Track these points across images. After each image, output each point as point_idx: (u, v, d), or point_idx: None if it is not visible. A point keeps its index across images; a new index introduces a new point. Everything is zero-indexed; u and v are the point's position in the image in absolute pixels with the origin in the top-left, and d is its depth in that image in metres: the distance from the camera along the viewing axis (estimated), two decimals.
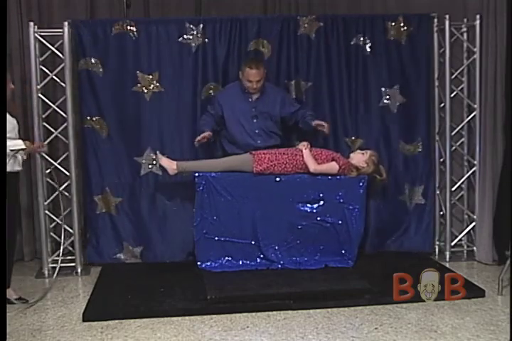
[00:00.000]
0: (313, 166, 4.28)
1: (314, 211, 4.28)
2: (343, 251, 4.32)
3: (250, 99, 4.41)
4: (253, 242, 4.29)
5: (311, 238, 4.30)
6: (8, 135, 3.48)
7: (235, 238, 4.28)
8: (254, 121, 4.42)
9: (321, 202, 4.29)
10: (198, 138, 4.27)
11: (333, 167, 4.32)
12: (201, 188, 4.25)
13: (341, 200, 4.29)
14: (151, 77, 4.53)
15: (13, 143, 3.60)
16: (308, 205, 4.29)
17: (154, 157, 4.53)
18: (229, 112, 4.41)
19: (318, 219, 4.29)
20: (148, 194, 4.62)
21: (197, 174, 4.27)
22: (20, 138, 3.81)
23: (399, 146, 4.71)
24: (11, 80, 3.78)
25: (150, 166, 4.59)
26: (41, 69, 4.50)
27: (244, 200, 4.27)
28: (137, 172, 4.60)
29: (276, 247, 4.28)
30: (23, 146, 3.68)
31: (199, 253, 4.30)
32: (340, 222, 4.30)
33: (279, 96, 4.44)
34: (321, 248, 4.31)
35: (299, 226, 4.28)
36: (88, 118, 4.54)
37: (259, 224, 4.27)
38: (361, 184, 4.33)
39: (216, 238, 4.27)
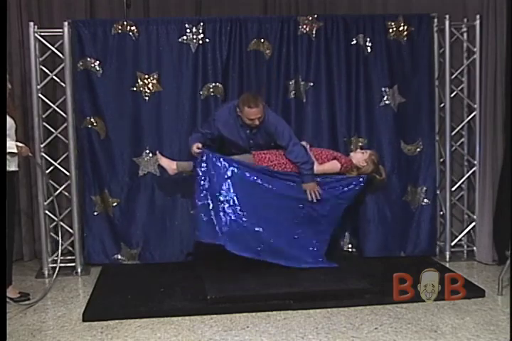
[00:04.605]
0: (314, 166, 4.28)
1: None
2: (315, 242, 4.31)
3: (248, 132, 4.29)
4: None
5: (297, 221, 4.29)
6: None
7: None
8: (251, 149, 4.36)
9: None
10: (193, 151, 4.20)
11: (334, 166, 4.32)
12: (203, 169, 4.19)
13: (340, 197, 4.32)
14: (150, 77, 4.53)
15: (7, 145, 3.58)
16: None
17: (153, 157, 4.53)
18: (228, 140, 4.35)
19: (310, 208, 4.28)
20: (146, 194, 4.61)
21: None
22: (17, 140, 3.81)
23: (400, 146, 4.71)
24: (7, 80, 3.77)
25: (150, 166, 4.58)
26: (41, 69, 4.50)
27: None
28: (135, 173, 4.60)
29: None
30: (15, 150, 3.69)
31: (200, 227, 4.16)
32: (326, 214, 4.31)
33: (273, 128, 4.23)
34: (300, 232, 4.29)
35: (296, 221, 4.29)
36: (87, 118, 4.53)
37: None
38: (359, 183, 4.34)
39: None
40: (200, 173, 4.16)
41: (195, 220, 4.23)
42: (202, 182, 4.15)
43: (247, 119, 4.19)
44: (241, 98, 4.24)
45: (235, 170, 4.20)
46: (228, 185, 4.18)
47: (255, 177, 4.22)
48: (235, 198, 4.17)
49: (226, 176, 4.19)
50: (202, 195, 4.15)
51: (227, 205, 4.16)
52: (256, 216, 4.18)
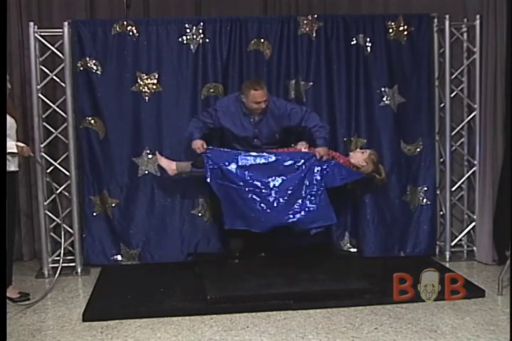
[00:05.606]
0: None
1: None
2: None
3: (252, 120, 4.29)
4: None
5: None
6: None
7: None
8: (255, 140, 4.36)
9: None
10: (197, 149, 4.21)
11: None
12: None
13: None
14: (150, 77, 4.53)
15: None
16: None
17: (153, 157, 4.53)
18: (229, 132, 4.34)
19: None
20: (146, 195, 4.61)
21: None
22: (17, 140, 3.81)
23: (400, 146, 4.71)
24: (7, 80, 3.77)
25: (150, 166, 4.58)
26: (41, 69, 4.50)
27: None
28: (135, 173, 4.60)
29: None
30: (15, 150, 3.69)
31: None
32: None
33: (283, 109, 4.27)
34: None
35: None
36: (87, 118, 4.53)
37: None
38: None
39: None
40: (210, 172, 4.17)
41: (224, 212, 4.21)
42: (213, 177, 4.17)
43: (253, 104, 4.18)
44: (244, 84, 4.27)
45: (242, 156, 4.20)
46: (243, 168, 4.17)
47: (264, 157, 4.22)
48: (254, 182, 4.15)
49: (236, 162, 4.18)
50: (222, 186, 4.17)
51: (248, 189, 4.14)
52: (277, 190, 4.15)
